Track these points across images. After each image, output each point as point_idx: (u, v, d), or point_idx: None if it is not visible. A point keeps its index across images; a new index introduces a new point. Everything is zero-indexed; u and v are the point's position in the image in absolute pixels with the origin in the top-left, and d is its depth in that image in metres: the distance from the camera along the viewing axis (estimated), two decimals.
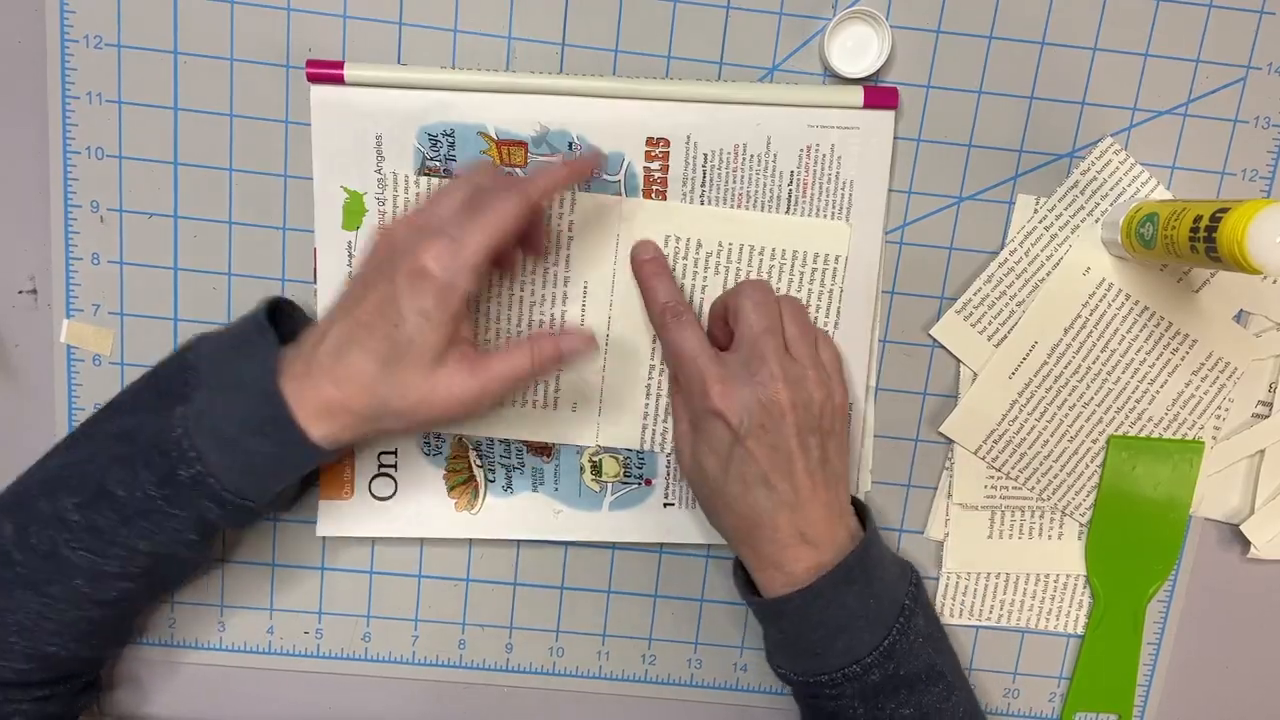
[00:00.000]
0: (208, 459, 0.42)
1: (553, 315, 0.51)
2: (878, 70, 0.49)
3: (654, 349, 0.51)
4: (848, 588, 0.45)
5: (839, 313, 0.51)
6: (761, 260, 0.50)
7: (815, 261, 0.51)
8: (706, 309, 0.51)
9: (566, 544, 0.55)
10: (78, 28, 0.48)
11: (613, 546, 0.55)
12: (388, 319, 0.41)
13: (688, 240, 0.50)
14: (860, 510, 0.49)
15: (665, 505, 0.54)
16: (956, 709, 0.47)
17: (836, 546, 0.45)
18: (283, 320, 0.47)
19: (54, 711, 0.47)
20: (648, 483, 0.53)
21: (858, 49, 0.49)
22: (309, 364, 0.42)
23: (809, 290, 0.51)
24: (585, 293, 0.50)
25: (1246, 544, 0.55)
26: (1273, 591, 0.56)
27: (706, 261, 0.50)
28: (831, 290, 0.51)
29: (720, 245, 0.50)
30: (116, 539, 0.43)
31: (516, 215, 0.42)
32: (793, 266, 0.51)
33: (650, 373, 0.51)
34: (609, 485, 0.53)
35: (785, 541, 0.45)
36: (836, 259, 0.51)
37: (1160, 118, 0.51)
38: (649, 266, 0.49)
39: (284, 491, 0.47)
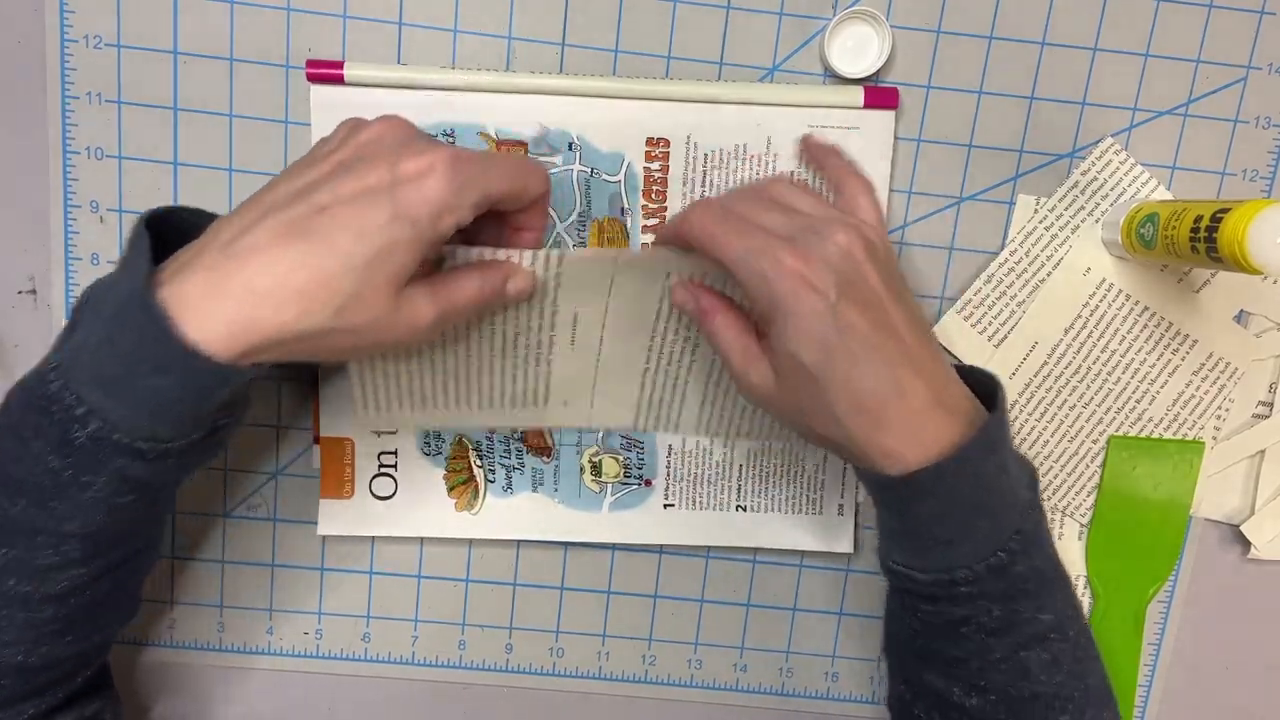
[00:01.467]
0: (101, 409, 0.34)
1: (539, 341, 0.47)
2: (878, 70, 0.49)
3: (649, 351, 0.49)
4: (989, 459, 0.38)
5: None
6: None
7: None
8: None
9: (566, 544, 0.55)
10: (78, 28, 0.48)
11: (613, 547, 0.55)
12: (365, 216, 0.34)
13: (689, 278, 0.46)
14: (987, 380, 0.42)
15: (665, 506, 0.53)
16: (1086, 628, 0.42)
17: (969, 415, 0.39)
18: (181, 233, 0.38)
19: None
20: (648, 483, 0.53)
21: (858, 49, 0.49)
22: (214, 263, 0.34)
23: None
24: (575, 320, 0.47)
25: (1246, 544, 0.55)
26: (1273, 591, 0.56)
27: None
28: None
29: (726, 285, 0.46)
30: (37, 527, 0.36)
31: (517, 176, 0.39)
32: None
33: (645, 373, 0.50)
34: (609, 486, 0.53)
35: (920, 407, 0.38)
36: None
37: (1160, 118, 0.51)
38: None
39: (232, 409, 0.39)
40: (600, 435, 0.53)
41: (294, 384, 0.53)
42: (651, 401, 0.51)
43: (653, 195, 0.50)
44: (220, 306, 0.33)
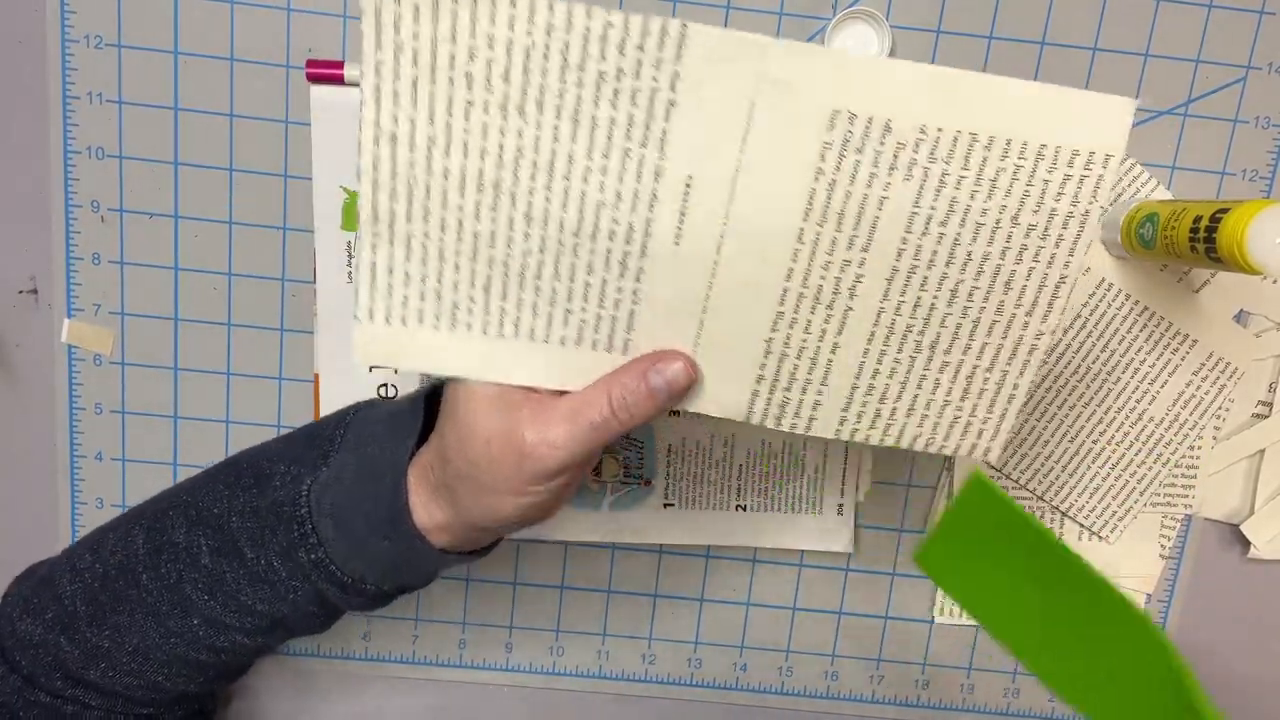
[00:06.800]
0: (330, 543, 0.40)
1: (631, 224, 0.35)
2: None
3: (785, 292, 0.36)
4: None
5: (1084, 252, 0.34)
6: (987, 159, 0.33)
7: (1071, 165, 0.33)
8: (883, 231, 0.34)
9: (566, 544, 0.55)
10: (78, 28, 0.48)
11: (613, 546, 0.55)
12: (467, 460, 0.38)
13: (868, 122, 0.33)
14: None
15: (665, 505, 0.53)
16: None
17: None
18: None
19: None
20: (647, 483, 0.53)
21: (858, 49, 0.49)
22: (435, 470, 0.39)
23: (1050, 213, 0.34)
24: (688, 191, 0.34)
25: (1246, 544, 0.55)
26: (1273, 591, 0.56)
27: (894, 158, 0.33)
28: (1087, 212, 0.34)
29: (923, 133, 0.33)
30: (239, 595, 0.42)
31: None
32: (1034, 172, 0.33)
33: (777, 322, 0.36)
34: (609, 485, 0.53)
35: None
36: (1105, 160, 0.33)
37: (1160, 118, 0.51)
38: None
39: (424, 580, 0.43)
40: None
41: (294, 384, 0.53)
42: (780, 376, 0.37)
43: None
44: (446, 532, 0.39)
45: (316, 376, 0.51)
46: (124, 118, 0.49)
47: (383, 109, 0.34)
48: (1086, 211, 0.34)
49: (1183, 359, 0.52)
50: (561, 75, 0.33)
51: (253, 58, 0.49)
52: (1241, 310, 0.52)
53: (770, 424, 0.38)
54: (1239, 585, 0.56)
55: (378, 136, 0.35)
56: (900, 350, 0.36)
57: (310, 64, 0.47)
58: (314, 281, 0.50)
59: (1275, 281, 0.52)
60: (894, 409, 0.37)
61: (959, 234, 0.34)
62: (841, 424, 0.38)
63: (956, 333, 0.36)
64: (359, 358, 0.38)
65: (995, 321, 0.36)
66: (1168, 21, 0.50)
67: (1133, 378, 0.52)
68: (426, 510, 0.39)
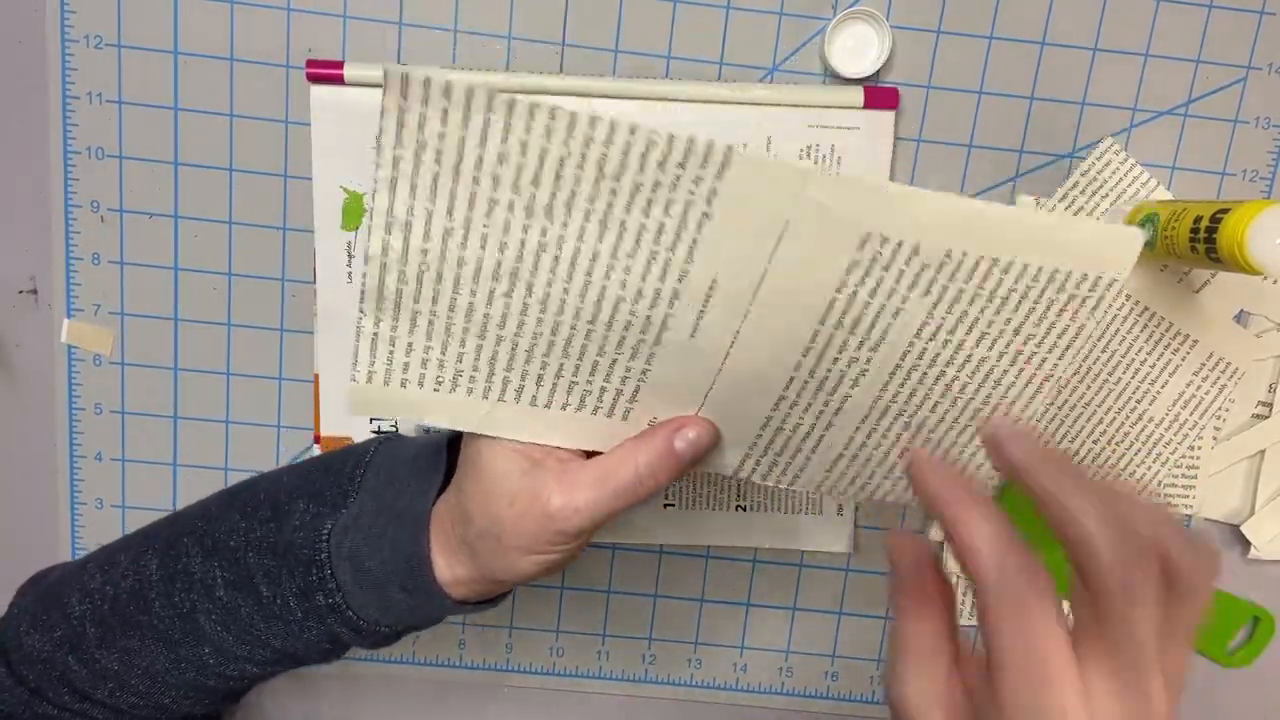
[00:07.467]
0: (347, 588, 0.40)
1: (648, 317, 0.35)
2: (878, 70, 0.49)
3: (791, 380, 0.37)
4: None
5: (1075, 358, 0.37)
6: (1003, 282, 0.34)
7: (1078, 287, 0.35)
8: (893, 335, 0.35)
9: None
10: (78, 28, 0.48)
11: (613, 546, 0.55)
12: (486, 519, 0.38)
13: (898, 245, 0.33)
14: None
15: (665, 506, 0.53)
16: None
17: None
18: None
19: None
20: None
21: (858, 49, 0.49)
22: (456, 526, 0.39)
23: (1050, 326, 0.36)
24: (710, 293, 0.35)
25: (1247, 545, 0.55)
26: (1273, 591, 0.56)
27: (916, 278, 0.34)
28: (1083, 326, 0.36)
29: (948, 256, 0.34)
30: (252, 630, 0.42)
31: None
32: (1043, 293, 0.35)
33: (778, 404, 0.37)
34: None
35: None
36: (1110, 284, 0.35)
37: (1160, 118, 0.51)
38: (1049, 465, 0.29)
39: (434, 622, 0.44)
40: None
41: (294, 384, 0.53)
42: (773, 445, 0.39)
43: None
44: (465, 586, 0.39)
45: (316, 376, 0.51)
46: (124, 118, 0.49)
47: (397, 199, 0.33)
48: (1083, 325, 0.36)
49: (1183, 359, 0.52)
50: (595, 184, 0.33)
51: (253, 58, 0.49)
52: (1242, 310, 0.52)
53: (757, 479, 0.41)
54: (1239, 586, 0.56)
55: (390, 225, 0.33)
56: (890, 428, 0.38)
57: (310, 64, 0.47)
58: (314, 281, 0.50)
59: (1275, 282, 0.52)
60: (873, 472, 0.40)
61: (963, 340, 0.36)
62: (823, 483, 0.41)
63: (944, 417, 0.38)
64: (354, 411, 0.38)
65: (980, 409, 0.38)
66: (1168, 21, 0.50)
67: (1133, 378, 0.52)
68: (448, 566, 0.39)
